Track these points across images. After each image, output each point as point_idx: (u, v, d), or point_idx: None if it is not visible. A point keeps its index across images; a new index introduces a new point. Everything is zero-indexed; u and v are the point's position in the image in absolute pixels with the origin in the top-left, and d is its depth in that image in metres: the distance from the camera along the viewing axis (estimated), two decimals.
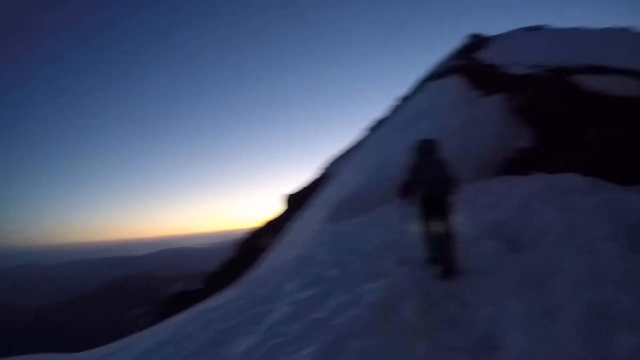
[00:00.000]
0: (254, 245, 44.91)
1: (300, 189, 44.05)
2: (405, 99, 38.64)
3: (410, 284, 5.18)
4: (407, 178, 5.42)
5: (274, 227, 43.51)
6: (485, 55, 30.09)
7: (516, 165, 13.20)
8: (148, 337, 8.47)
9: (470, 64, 30.65)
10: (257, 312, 6.30)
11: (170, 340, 6.84)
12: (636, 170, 6.43)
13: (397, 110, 35.18)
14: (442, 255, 5.19)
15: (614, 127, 7.49)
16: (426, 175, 5.21)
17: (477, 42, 42.53)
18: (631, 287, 3.78)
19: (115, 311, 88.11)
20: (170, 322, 11.95)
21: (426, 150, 5.39)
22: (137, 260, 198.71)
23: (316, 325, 4.74)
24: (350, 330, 4.29)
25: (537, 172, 9.82)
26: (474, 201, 8.52)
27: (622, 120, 7.32)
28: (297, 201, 40.95)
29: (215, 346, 5.52)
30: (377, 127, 34.47)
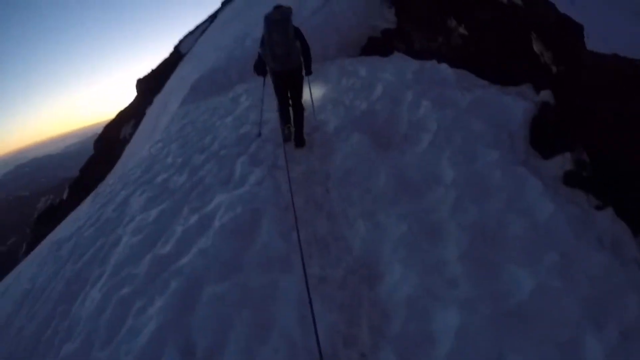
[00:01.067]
0: (112, 139, 41.82)
1: (154, 70, 40.56)
2: None
3: (269, 193, 4.43)
4: (258, 52, 5.05)
5: (131, 116, 40.64)
6: None
7: (380, 45, 12.84)
8: (9, 290, 7.26)
9: None
10: (103, 245, 5.36)
11: (27, 296, 5.70)
12: (509, 71, 6.10)
13: None
14: (292, 130, 5.18)
15: (482, 24, 7.13)
16: (275, 48, 4.73)
17: None
18: (519, 206, 3.25)
19: None
20: (29, 262, 10.43)
21: (275, 20, 4.70)
22: None
23: (163, 265, 3.88)
24: (203, 271, 3.50)
25: (400, 54, 9.87)
26: (336, 83, 7.84)
27: (491, 20, 6.96)
28: (152, 84, 37.68)
29: (68, 303, 4.59)
30: None
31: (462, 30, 7.85)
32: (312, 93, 6.23)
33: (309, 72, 5.30)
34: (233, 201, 4.36)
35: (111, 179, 14.14)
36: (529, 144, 4.33)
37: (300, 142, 5.24)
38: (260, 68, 5.26)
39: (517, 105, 4.66)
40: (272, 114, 6.58)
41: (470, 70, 6.49)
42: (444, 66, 6.46)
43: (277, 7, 4.83)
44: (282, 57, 4.73)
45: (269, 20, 4.71)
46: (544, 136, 4.40)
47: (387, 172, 4.24)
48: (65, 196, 43.09)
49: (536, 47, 5.79)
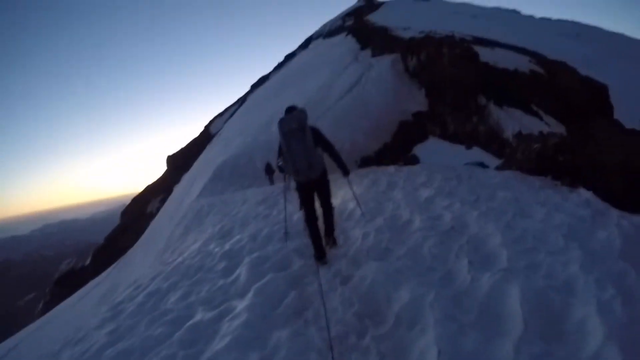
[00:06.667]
0: (138, 212, 42.11)
1: (183, 149, 42.01)
2: (291, 56, 37.20)
3: None
4: (279, 165, 4.46)
5: (159, 192, 41.11)
6: (376, 18, 29.62)
7: (412, 129, 12.24)
8: None
9: (361, 25, 30.33)
10: None
11: None
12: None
13: (282, 67, 33.51)
14: (317, 240, 4.19)
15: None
16: (296, 160, 4.13)
17: (368, 5, 43.82)
18: None
19: (5, 299, 78.24)
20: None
21: (291, 130, 4.12)
22: (20, 241, 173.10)
23: None
24: None
25: (435, 138, 8.80)
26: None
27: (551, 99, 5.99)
28: (181, 162, 39.39)
29: None
30: (261, 84, 32.52)
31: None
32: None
33: (346, 173, 4.56)
34: None
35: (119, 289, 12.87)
36: None
37: (331, 241, 4.44)
38: (284, 172, 4.64)
39: None
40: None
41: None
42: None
43: (290, 110, 4.35)
44: (304, 169, 4.18)
45: (284, 130, 4.18)
46: None
47: None
48: (87, 262, 43.05)
49: None
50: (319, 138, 4.25)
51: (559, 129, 18.11)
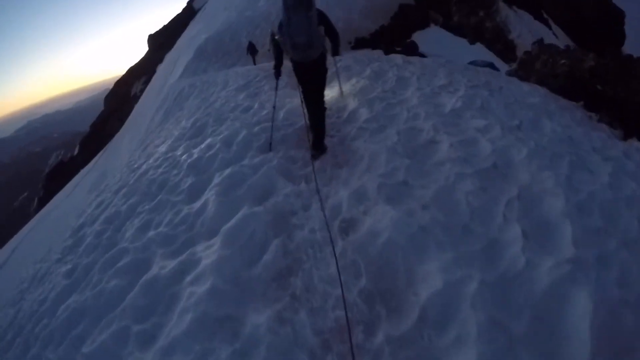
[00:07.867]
0: (122, 95, 41.45)
1: (166, 26, 39.70)
2: None
3: None
4: (276, 38, 4.21)
5: (142, 73, 39.99)
6: None
7: (413, 14, 11.08)
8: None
9: None
10: None
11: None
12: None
13: None
14: (313, 129, 4.12)
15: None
16: (295, 37, 3.93)
17: None
18: None
19: (2, 204, 79.60)
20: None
21: (295, 3, 3.86)
22: (5, 143, 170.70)
23: None
24: None
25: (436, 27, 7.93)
26: None
27: None
28: (163, 41, 37.24)
29: None
30: None
31: None
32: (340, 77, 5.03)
33: (336, 53, 4.49)
34: None
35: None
36: None
37: (317, 149, 4.01)
38: (277, 63, 4.35)
39: None
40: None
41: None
42: None
43: None
44: (303, 46, 3.95)
45: (288, 4, 3.86)
46: None
47: None
48: (75, 152, 43.48)
49: None
50: (323, 19, 4.05)
51: (566, 41, 17.82)
